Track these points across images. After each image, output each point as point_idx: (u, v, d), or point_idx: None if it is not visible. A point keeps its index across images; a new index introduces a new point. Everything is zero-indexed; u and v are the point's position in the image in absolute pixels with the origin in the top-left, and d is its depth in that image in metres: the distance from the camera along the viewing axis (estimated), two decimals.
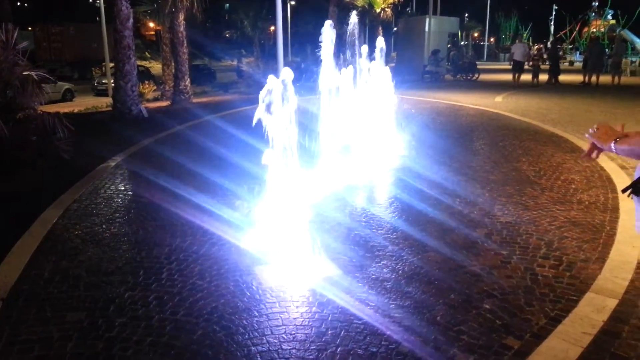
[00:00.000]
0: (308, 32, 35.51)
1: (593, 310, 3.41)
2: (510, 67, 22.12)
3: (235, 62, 34.88)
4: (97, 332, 3.22)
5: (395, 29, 39.43)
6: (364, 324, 3.28)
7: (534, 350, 2.99)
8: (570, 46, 51.18)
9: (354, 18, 11.39)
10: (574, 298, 3.59)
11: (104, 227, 5.19)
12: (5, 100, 7.91)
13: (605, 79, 20.59)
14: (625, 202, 5.39)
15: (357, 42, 10.71)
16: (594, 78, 20.40)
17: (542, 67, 23.04)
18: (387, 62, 9.53)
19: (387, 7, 27.61)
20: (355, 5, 26.40)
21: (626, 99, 15.76)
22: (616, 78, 20.26)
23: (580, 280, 3.85)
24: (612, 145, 2.05)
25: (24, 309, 3.53)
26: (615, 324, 3.24)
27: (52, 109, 9.77)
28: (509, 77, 21.96)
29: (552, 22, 59.09)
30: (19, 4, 48.54)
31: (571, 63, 39.38)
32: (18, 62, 8.04)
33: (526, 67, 21.59)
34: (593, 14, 54.34)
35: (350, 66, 8.49)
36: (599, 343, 3.05)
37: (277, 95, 4.52)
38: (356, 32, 10.75)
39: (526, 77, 21.24)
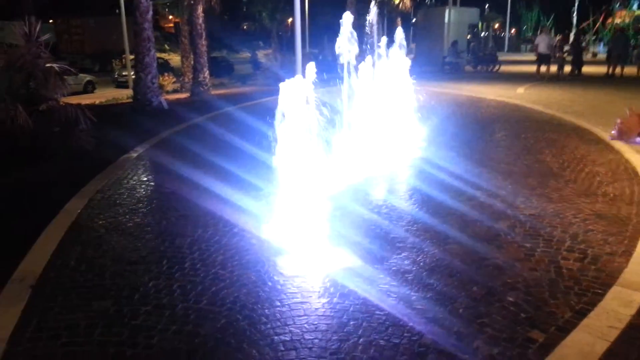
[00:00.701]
0: (326, 24, 35.34)
1: (620, 304, 3.36)
2: (534, 59, 20.68)
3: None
4: (123, 320, 3.27)
5: (414, 20, 39.06)
6: (385, 315, 3.28)
7: (559, 344, 2.96)
8: (593, 37, 50.08)
9: (373, 9, 11.30)
10: (600, 291, 3.53)
11: (127, 217, 5.26)
12: (29, 92, 8.04)
13: (630, 70, 20.13)
14: None
15: (375, 33, 10.64)
16: (618, 69, 19.94)
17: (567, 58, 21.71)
18: (406, 53, 9.42)
19: None
20: None
21: None
22: None
23: (606, 274, 3.79)
24: (638, 139, 2.02)
25: (52, 297, 3.60)
26: None
27: (73, 100, 9.88)
28: (530, 68, 21.59)
29: (575, 13, 57.89)
30: None
31: (594, 54, 38.55)
32: (41, 54, 8.16)
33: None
34: (618, 4, 53.03)
35: (369, 57, 8.44)
36: (626, 337, 3.01)
37: (296, 90, 4.52)
38: (375, 22, 10.66)
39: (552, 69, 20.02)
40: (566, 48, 20.86)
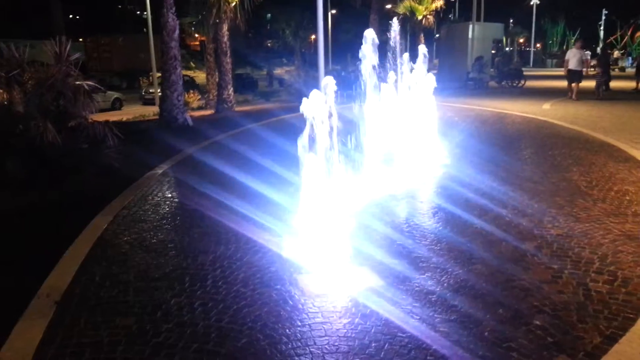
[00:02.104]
0: (349, 41, 35.60)
1: None
2: (564, 75, 18.32)
3: (275, 71, 35.29)
4: (145, 337, 3.28)
5: (437, 35, 39.04)
6: (408, 337, 3.22)
7: None
8: (621, 52, 49.25)
9: (395, 25, 11.33)
10: (631, 316, 3.42)
11: (151, 233, 5.32)
12: (58, 109, 8.25)
13: None
14: None
15: (398, 49, 10.64)
16: None
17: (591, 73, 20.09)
18: (429, 69, 9.41)
19: (429, 14, 27.35)
20: (396, 12, 26.27)
21: None
22: None
23: (638, 297, 3.66)
24: None
25: (76, 312, 3.64)
26: None
27: (101, 117, 10.11)
28: (556, 83, 21.29)
29: (602, 27, 57.11)
30: (70, 16, 50.74)
31: (622, 69, 37.89)
32: (70, 72, 8.37)
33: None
34: None
35: (392, 73, 8.45)
36: None
37: (319, 106, 4.54)
38: (397, 39, 10.68)
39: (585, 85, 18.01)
40: (593, 62, 20.10)
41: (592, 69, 18.76)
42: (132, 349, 3.16)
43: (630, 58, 44.64)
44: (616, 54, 45.04)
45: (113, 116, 14.73)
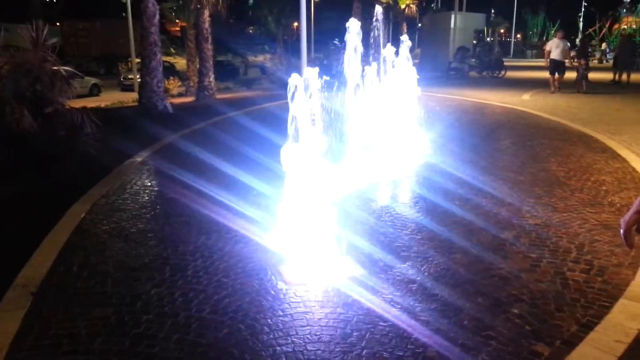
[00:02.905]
0: (331, 29, 35.37)
1: (627, 317, 3.31)
2: (545, 66, 17.66)
3: (258, 58, 34.99)
4: (124, 328, 3.25)
5: (419, 25, 39.04)
6: (389, 326, 3.24)
7: (565, 358, 2.92)
8: (597, 44, 49.97)
9: (378, 13, 11.28)
10: (607, 304, 3.49)
11: (130, 222, 5.24)
12: (35, 95, 8.05)
13: (636, 77, 20.04)
14: None
15: (381, 38, 10.61)
16: (624, 76, 19.87)
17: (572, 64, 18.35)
18: (411, 58, 9.42)
19: (412, 4, 27.41)
20: (379, 1, 26.19)
21: None
22: None
23: (613, 286, 3.74)
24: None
25: (53, 304, 3.58)
26: None
27: (79, 103, 9.91)
28: (536, 74, 21.50)
29: (581, 19, 57.78)
30: (47, 0, 49.50)
31: (600, 61, 38.45)
32: (47, 58, 8.17)
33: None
34: (624, 10, 52.95)
35: (374, 63, 8.42)
36: (634, 352, 2.96)
37: (301, 93, 4.50)
38: (380, 28, 10.65)
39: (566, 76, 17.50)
40: (572, 54, 19.93)
41: (573, 60, 18.37)
42: (111, 340, 3.12)
43: (608, 49, 45.30)
44: (604, 46, 45.50)
45: (91, 102, 14.49)
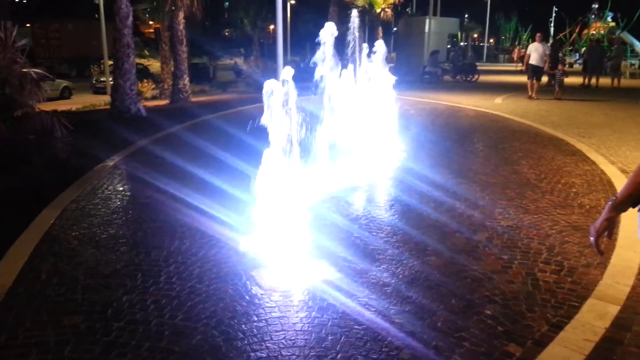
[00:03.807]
0: (308, 32, 35.43)
1: (595, 316, 3.39)
2: (523, 70, 17.22)
3: (233, 61, 34.74)
4: (95, 336, 3.18)
5: (395, 29, 39.41)
6: (364, 330, 3.25)
7: (536, 358, 2.97)
8: (569, 48, 51.25)
9: (354, 17, 11.34)
10: (576, 304, 3.56)
11: (102, 228, 5.15)
12: (4, 98, 7.86)
13: (605, 81, 20.59)
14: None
15: (357, 41, 10.66)
16: (593, 80, 20.40)
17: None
18: (386, 62, 9.50)
19: (388, 8, 27.59)
20: (355, 5, 26.33)
21: (625, 102, 15.74)
22: (616, 80, 20.27)
23: (582, 286, 3.82)
24: (610, 205, 2.10)
25: (21, 312, 3.48)
26: (618, 331, 3.22)
27: (50, 106, 9.68)
28: (508, 78, 21.86)
29: (552, 24, 59.13)
30: (17, 0, 48.41)
31: (570, 65, 39.38)
32: (17, 59, 7.98)
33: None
34: (593, 16, 54.44)
35: (351, 66, 8.46)
36: (601, 350, 3.03)
37: (277, 95, 4.50)
38: (356, 31, 10.71)
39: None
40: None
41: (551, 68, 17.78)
42: (81, 349, 3.05)
43: (577, 54, 46.44)
44: (583, 50, 46.41)
45: (62, 105, 14.17)
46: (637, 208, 2.13)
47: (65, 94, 20.29)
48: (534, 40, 17.29)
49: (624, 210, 2.14)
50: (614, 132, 10.31)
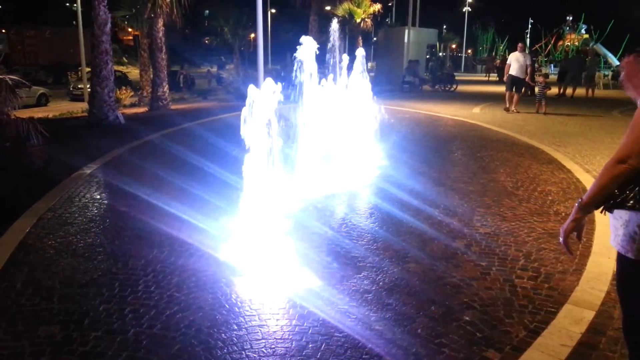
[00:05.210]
0: (288, 40, 35.55)
1: (571, 322, 3.45)
2: (503, 80, 16.17)
3: (214, 69, 34.62)
4: (71, 346, 3.12)
5: (375, 39, 39.79)
6: (344, 337, 3.25)
7: None
8: (545, 59, 52.37)
9: (334, 26, 11.44)
10: (553, 310, 3.62)
11: (78, 237, 5.06)
12: None
13: (579, 91, 21.06)
14: (601, 214, 5.49)
15: (337, 51, 10.75)
16: (569, 90, 20.82)
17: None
18: (367, 71, 9.58)
19: (367, 18, 27.83)
20: (335, 14, 26.52)
21: (599, 112, 16.12)
22: (590, 91, 20.73)
23: (559, 292, 3.89)
24: (577, 206, 2.21)
25: None
26: (593, 336, 3.28)
27: (26, 113, 9.55)
28: (485, 88, 22.14)
29: (528, 35, 60.36)
30: None
31: (546, 75, 40.21)
32: None
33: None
34: (567, 28, 55.80)
35: (331, 75, 8.52)
36: (577, 355, 3.08)
37: (257, 104, 4.51)
38: (336, 41, 10.80)
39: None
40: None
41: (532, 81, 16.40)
42: (57, 359, 2.99)
43: (552, 65, 47.46)
44: (559, 61, 47.12)
45: (38, 113, 13.97)
46: (603, 212, 2.22)
47: (41, 101, 19.99)
48: (513, 50, 16.54)
49: (590, 211, 2.26)
50: (588, 141, 10.55)
